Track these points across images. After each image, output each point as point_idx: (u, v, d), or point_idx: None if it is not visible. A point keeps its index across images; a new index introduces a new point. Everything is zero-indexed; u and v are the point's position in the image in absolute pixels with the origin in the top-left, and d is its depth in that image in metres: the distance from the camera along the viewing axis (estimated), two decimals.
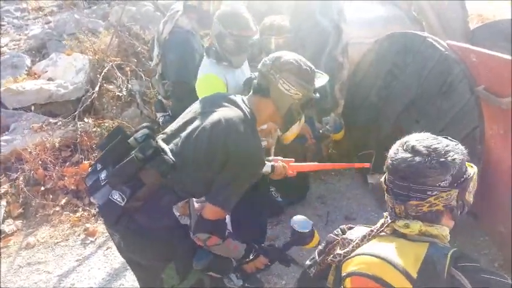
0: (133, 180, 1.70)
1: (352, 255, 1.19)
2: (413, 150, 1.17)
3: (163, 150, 1.78)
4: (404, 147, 1.20)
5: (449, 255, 1.08)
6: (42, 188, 3.91)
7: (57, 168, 4.04)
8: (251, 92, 1.94)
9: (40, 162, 4.03)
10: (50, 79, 5.03)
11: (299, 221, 1.96)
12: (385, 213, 1.28)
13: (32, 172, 3.97)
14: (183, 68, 2.94)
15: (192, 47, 3.02)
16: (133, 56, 5.34)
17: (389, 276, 1.08)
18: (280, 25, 3.04)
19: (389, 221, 1.22)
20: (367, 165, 3.05)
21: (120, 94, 4.87)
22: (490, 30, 3.80)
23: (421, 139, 1.20)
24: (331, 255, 1.26)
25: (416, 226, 1.17)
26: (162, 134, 1.94)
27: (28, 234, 3.57)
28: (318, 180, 4.02)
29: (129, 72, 5.10)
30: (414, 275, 1.06)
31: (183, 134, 1.84)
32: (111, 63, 5.04)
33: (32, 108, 4.66)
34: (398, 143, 1.25)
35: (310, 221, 1.98)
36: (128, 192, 1.68)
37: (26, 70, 5.40)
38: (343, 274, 1.18)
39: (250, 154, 1.78)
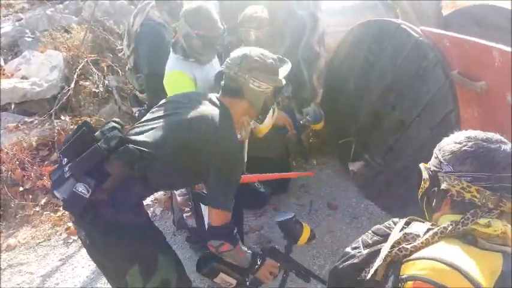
0: (98, 171, 1.67)
1: (416, 256, 1.05)
2: (501, 141, 1.11)
3: (129, 141, 1.77)
4: (483, 139, 1.12)
5: None
6: (21, 189, 3.84)
7: (35, 167, 3.97)
8: (220, 92, 2.00)
9: (17, 162, 3.95)
10: (23, 77, 4.91)
11: (280, 214, 2.10)
12: (450, 215, 1.15)
13: (10, 173, 3.89)
14: (156, 60, 2.92)
15: (163, 38, 2.99)
16: (108, 51, 5.26)
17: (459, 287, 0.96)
18: (261, 18, 3.03)
19: (470, 221, 1.08)
20: (312, 173, 3.49)
21: (97, 90, 4.80)
22: (463, 15, 3.87)
23: (479, 132, 1.15)
24: (396, 248, 1.11)
25: (499, 225, 1.06)
26: (135, 127, 1.92)
27: (8, 236, 3.51)
28: (300, 170, 4.05)
29: (105, 68, 5.02)
30: None
31: (160, 127, 1.83)
32: (86, 59, 4.95)
33: (12, 107, 4.55)
34: (468, 139, 1.14)
35: (291, 212, 2.10)
36: (92, 184, 1.64)
37: None
38: (404, 276, 1.04)
39: (235, 150, 1.82)
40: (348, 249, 1.34)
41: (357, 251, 1.31)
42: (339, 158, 4.08)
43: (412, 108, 3.04)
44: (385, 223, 1.31)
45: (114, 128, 1.79)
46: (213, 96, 1.98)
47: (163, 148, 1.78)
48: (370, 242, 1.29)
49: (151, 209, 3.74)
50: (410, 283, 1.01)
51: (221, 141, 1.78)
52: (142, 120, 1.95)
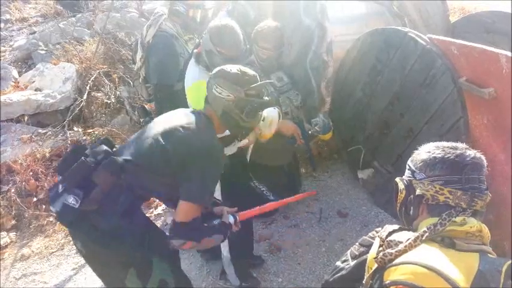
0: (86, 182, 1.79)
1: (398, 261, 1.09)
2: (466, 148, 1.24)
3: (115, 154, 1.91)
4: (450, 147, 1.24)
5: (503, 271, 1.03)
6: (35, 199, 3.90)
7: (48, 178, 4.04)
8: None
9: (31, 173, 4.02)
10: (37, 89, 5.01)
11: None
12: (428, 219, 1.21)
13: (24, 183, 3.96)
14: (165, 70, 2.97)
15: (174, 50, 3.03)
16: (119, 62, 5.35)
17: None
18: (274, 38, 2.94)
19: (447, 221, 1.14)
20: (313, 193, 3.42)
21: (109, 101, 4.88)
22: (471, 22, 3.87)
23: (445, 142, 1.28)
24: (381, 253, 1.15)
25: (474, 222, 1.14)
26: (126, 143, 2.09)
27: (22, 246, 3.57)
28: (309, 178, 4.07)
29: (116, 79, 5.10)
30: None
31: (143, 137, 1.95)
32: (98, 71, 5.04)
33: (26, 118, 4.64)
34: (436, 147, 1.26)
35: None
36: (81, 194, 1.76)
37: (12, 81, 5.38)
38: (387, 281, 1.08)
39: (211, 145, 1.90)
40: (338, 263, 1.42)
41: (345, 263, 1.38)
42: (349, 165, 4.09)
43: (421, 115, 3.05)
44: (370, 233, 1.37)
45: (101, 143, 1.94)
46: (196, 111, 2.08)
47: (145, 157, 1.88)
48: (357, 253, 1.36)
49: (162, 218, 3.77)
50: None
51: (197, 140, 1.85)
52: (133, 136, 2.09)
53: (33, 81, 5.21)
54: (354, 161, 3.86)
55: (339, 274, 1.38)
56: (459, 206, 1.17)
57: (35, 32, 6.56)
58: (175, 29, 3.18)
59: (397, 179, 1.33)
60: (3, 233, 3.66)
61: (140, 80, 3.39)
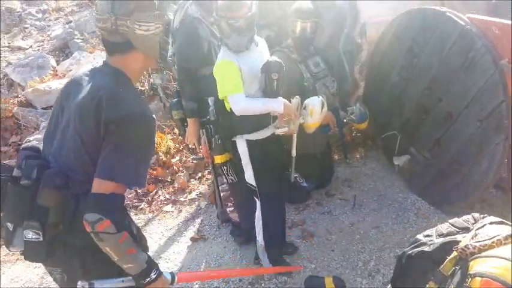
0: (36, 210, 1.46)
1: (488, 253, 1.03)
2: None
3: (47, 162, 1.56)
4: None
5: None
6: None
7: None
8: (106, 54, 1.68)
9: None
10: None
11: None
12: None
13: None
14: (184, 54, 2.95)
15: (197, 33, 2.98)
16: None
17: None
18: (308, 8, 3.01)
19: None
20: (297, 268, 2.90)
21: (143, 88, 4.95)
22: None
23: None
24: (464, 244, 1.09)
25: None
26: (47, 138, 1.68)
27: None
28: (343, 164, 4.01)
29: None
30: None
31: (61, 132, 1.60)
32: None
33: None
34: None
35: None
36: (38, 226, 1.45)
37: (51, 70, 5.55)
38: (472, 272, 1.02)
39: (127, 113, 1.50)
40: (420, 236, 1.33)
41: (428, 238, 1.29)
42: (384, 151, 4.00)
43: (460, 99, 2.94)
44: (464, 217, 1.27)
45: (28, 157, 1.57)
46: (98, 65, 1.69)
47: (74, 150, 1.53)
48: (444, 232, 1.27)
49: (197, 202, 3.83)
50: (477, 280, 0.99)
51: (113, 109, 1.48)
52: (47, 130, 1.71)
53: (71, 70, 5.36)
54: (389, 147, 3.78)
55: (419, 249, 1.30)
56: None
57: (71, 22, 6.72)
58: (200, 12, 3.16)
59: None
60: None
61: (174, 66, 3.42)
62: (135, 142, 1.51)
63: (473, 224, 1.21)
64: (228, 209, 3.44)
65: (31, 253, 1.51)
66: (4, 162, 4.49)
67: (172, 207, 3.87)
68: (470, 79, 2.82)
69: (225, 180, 3.05)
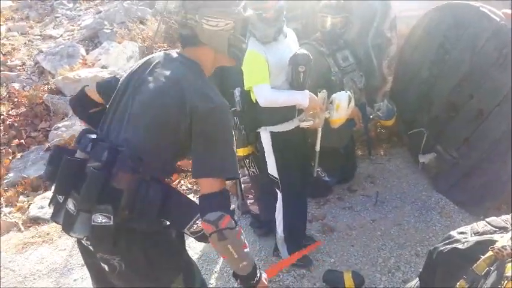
0: (109, 193, 1.43)
1: None
2: None
3: (118, 145, 1.51)
4: None
5: None
6: None
7: None
8: (180, 45, 1.70)
9: None
10: (103, 67, 5.26)
11: None
12: None
13: None
14: None
15: None
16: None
17: None
18: (338, 4, 2.97)
19: None
20: (319, 243, 2.93)
21: None
22: None
23: None
24: (501, 245, 1.03)
25: None
26: (105, 122, 1.65)
27: None
28: (366, 160, 3.96)
29: None
30: None
31: (136, 114, 1.55)
32: (159, 49, 5.17)
33: None
34: None
35: None
36: (110, 209, 1.42)
37: (80, 59, 5.67)
38: (509, 274, 0.97)
39: (217, 103, 1.51)
40: (453, 233, 1.28)
41: (462, 236, 1.24)
42: (409, 149, 3.93)
43: (492, 97, 2.86)
44: (502, 216, 1.22)
45: (93, 140, 1.52)
46: (174, 53, 1.67)
47: (149, 135, 1.52)
48: (480, 230, 1.22)
49: None
50: None
51: (199, 101, 1.47)
52: (109, 112, 1.66)
53: (100, 59, 5.46)
54: (415, 144, 3.70)
55: (452, 245, 1.25)
56: None
57: (100, 12, 6.84)
58: None
59: None
60: None
61: None
62: (228, 134, 1.52)
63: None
64: (248, 201, 3.45)
65: (98, 238, 1.48)
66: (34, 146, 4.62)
67: (194, 196, 3.90)
68: (504, 76, 2.74)
69: (246, 172, 3.05)
